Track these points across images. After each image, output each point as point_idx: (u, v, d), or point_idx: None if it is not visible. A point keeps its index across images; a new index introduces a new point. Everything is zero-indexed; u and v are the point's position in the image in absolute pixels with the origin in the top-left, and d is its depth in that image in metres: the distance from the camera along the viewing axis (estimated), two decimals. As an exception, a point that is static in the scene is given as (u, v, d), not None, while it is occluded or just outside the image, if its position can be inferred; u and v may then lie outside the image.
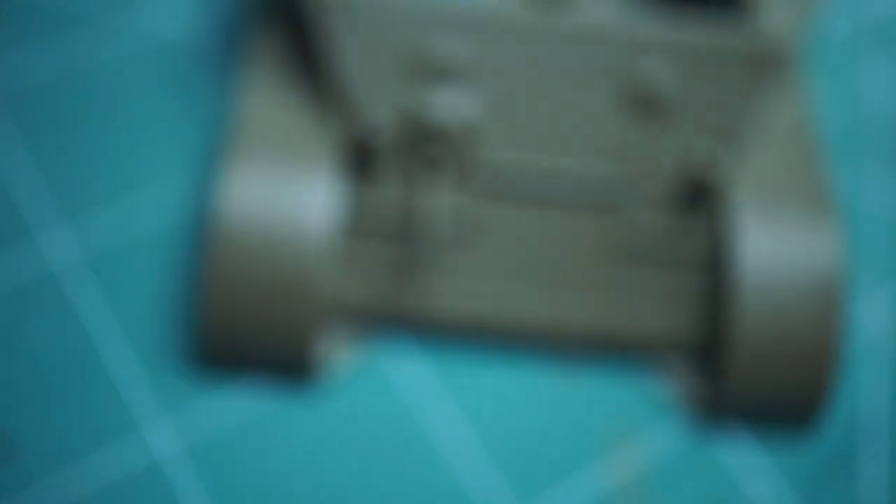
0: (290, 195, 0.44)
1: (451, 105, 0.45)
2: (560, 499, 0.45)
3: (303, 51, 0.48)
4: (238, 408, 0.45)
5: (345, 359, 0.47)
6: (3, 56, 0.53)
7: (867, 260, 0.52)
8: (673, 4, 0.50)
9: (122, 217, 0.49)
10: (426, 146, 0.45)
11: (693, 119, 0.46)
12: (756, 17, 0.46)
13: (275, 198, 0.44)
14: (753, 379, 0.45)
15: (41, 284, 0.47)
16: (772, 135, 0.48)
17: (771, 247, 0.45)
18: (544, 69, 0.46)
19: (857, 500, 0.46)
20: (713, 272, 0.47)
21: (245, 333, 0.44)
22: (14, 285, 0.47)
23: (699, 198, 0.46)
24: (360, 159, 0.45)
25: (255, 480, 0.44)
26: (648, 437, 0.46)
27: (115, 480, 0.43)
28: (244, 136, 0.45)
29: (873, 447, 0.47)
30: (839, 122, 0.57)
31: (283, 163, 0.45)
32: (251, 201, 0.44)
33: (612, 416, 0.47)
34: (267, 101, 0.47)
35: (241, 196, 0.44)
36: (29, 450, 0.43)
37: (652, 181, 0.46)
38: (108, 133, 0.51)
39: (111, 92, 0.52)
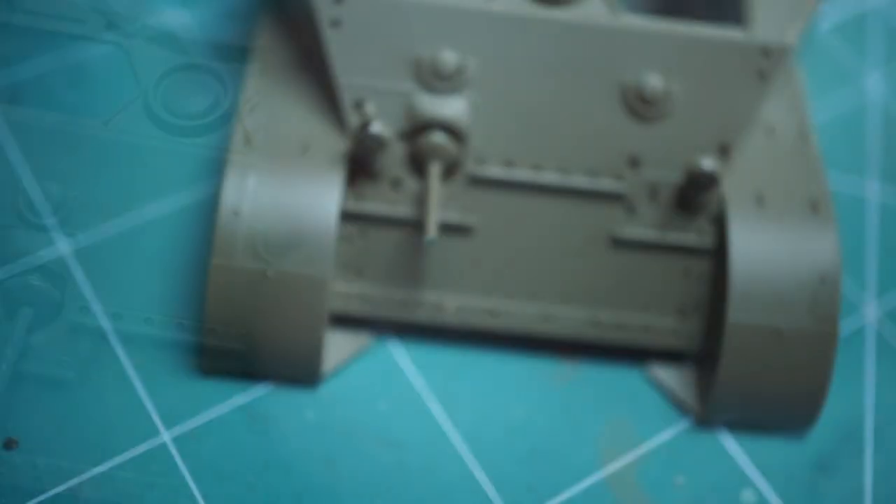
0: (296, 199, 0.44)
1: (447, 99, 0.46)
2: (559, 496, 0.45)
3: (306, 50, 0.48)
4: (238, 398, 0.46)
5: (344, 358, 0.47)
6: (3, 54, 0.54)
7: (865, 259, 0.53)
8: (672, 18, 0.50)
9: (123, 218, 0.49)
10: (424, 140, 0.46)
11: (693, 116, 0.46)
12: (754, 29, 0.46)
13: (281, 201, 0.44)
14: (749, 376, 0.45)
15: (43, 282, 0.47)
16: (770, 132, 0.48)
17: (766, 244, 0.45)
18: (545, 65, 0.46)
19: (856, 499, 0.46)
20: (710, 270, 0.47)
21: (251, 337, 0.44)
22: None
23: (698, 194, 0.46)
24: (360, 158, 0.45)
25: (252, 464, 0.44)
26: (647, 434, 0.47)
27: (124, 463, 0.43)
28: (249, 139, 0.46)
29: (870, 444, 0.47)
30: (837, 119, 0.57)
31: (289, 166, 0.45)
32: (257, 204, 0.44)
33: (610, 413, 0.47)
34: (271, 102, 0.47)
35: (247, 200, 0.44)
36: (34, 444, 0.43)
37: (652, 177, 0.47)
38: (109, 134, 0.51)
39: (112, 92, 0.53)
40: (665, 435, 0.46)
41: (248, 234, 0.44)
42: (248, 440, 0.45)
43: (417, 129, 0.46)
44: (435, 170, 0.45)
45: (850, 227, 0.53)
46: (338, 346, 0.47)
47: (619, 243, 0.47)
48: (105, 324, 0.46)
